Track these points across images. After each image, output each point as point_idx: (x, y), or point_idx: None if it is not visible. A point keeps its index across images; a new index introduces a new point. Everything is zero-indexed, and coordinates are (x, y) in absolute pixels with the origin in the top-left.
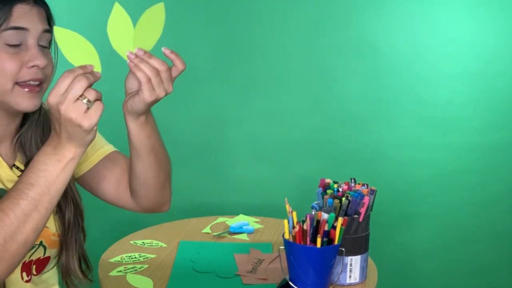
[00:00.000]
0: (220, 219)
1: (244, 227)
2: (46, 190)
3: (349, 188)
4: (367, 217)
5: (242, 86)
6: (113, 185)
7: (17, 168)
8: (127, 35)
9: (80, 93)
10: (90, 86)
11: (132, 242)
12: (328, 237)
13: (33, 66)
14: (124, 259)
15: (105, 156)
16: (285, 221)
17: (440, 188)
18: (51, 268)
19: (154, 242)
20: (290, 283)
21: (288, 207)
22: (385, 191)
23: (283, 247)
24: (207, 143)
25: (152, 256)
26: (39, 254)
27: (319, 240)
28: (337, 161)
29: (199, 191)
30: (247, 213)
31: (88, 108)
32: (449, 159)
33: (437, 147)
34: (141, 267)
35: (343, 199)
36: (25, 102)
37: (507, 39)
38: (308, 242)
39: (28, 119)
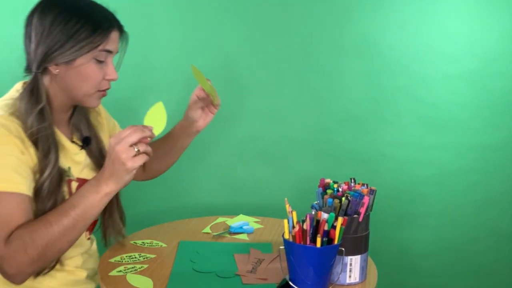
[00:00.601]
0: (220, 219)
1: (244, 227)
2: (83, 214)
3: (349, 188)
4: (367, 217)
5: (242, 86)
6: None
7: (75, 143)
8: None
9: (135, 142)
10: (144, 140)
11: (132, 242)
12: (328, 237)
13: (110, 79)
14: (124, 259)
15: None
16: (285, 221)
17: (440, 188)
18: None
19: (154, 242)
20: (290, 283)
21: (288, 207)
22: (385, 191)
23: (283, 247)
24: (208, 143)
25: (152, 256)
26: None
27: (319, 240)
28: (337, 161)
29: (199, 191)
30: (247, 213)
31: (135, 155)
32: (449, 159)
33: (437, 147)
34: (141, 267)
35: (343, 199)
36: (95, 102)
37: (507, 39)
38: (308, 242)
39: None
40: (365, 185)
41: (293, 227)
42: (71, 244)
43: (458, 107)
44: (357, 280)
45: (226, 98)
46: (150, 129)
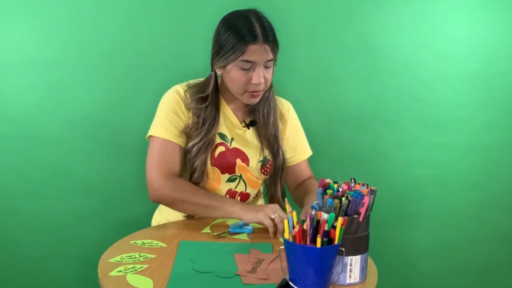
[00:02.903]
0: (220, 219)
1: (244, 227)
2: (212, 207)
3: (349, 188)
4: (367, 217)
5: None
6: (292, 180)
7: (244, 122)
8: None
9: (276, 220)
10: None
11: (132, 242)
12: (328, 237)
13: (254, 83)
14: (124, 259)
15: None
16: (285, 221)
17: (440, 188)
18: (252, 201)
19: (154, 242)
20: (290, 283)
21: (288, 207)
22: (385, 191)
23: (283, 247)
24: None
25: (152, 256)
26: (241, 187)
27: (319, 240)
28: (337, 161)
29: None
30: None
31: (269, 220)
32: (449, 159)
33: (437, 147)
34: (141, 267)
35: (343, 199)
36: (248, 100)
37: (508, 40)
38: (308, 242)
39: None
40: (365, 185)
41: (293, 227)
42: (194, 213)
43: (459, 107)
44: (357, 280)
45: None
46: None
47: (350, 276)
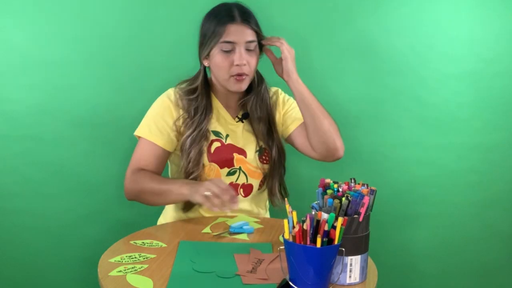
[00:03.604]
0: (220, 219)
1: (244, 227)
2: (166, 192)
3: (349, 188)
4: (367, 217)
5: None
6: (302, 142)
7: (238, 117)
8: None
9: (216, 193)
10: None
11: (132, 242)
12: (328, 237)
13: (237, 64)
14: (124, 259)
15: (297, 127)
16: (285, 221)
17: (440, 188)
18: (258, 193)
19: (154, 242)
20: (290, 283)
21: (288, 207)
22: (385, 191)
23: (283, 247)
24: None
25: (152, 256)
26: (242, 179)
27: (319, 240)
28: (337, 161)
29: None
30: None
31: (207, 196)
32: (449, 159)
33: (437, 147)
34: (141, 267)
35: (343, 199)
36: (234, 86)
37: (507, 39)
38: (308, 242)
39: (253, 90)
40: (365, 185)
41: (293, 227)
42: (154, 203)
43: (459, 107)
44: (357, 280)
45: None
46: (233, 202)
47: (350, 276)
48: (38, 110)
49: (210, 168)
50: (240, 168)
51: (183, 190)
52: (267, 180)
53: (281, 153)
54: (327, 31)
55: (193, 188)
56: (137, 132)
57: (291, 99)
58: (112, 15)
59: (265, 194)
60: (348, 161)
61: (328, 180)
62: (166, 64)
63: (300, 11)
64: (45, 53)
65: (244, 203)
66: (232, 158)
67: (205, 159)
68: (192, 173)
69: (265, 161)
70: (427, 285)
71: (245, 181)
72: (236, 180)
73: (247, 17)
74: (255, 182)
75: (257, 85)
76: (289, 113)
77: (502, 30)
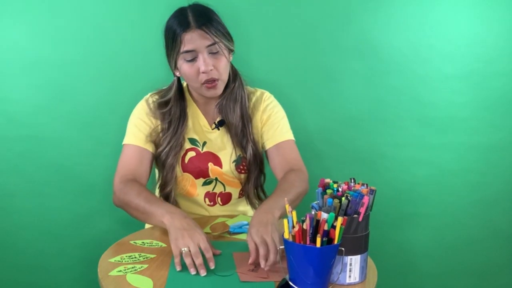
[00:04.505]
0: (220, 219)
1: (244, 227)
2: (148, 214)
3: (349, 188)
4: (366, 216)
5: None
6: (272, 165)
7: (214, 123)
8: None
9: (194, 251)
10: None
11: (132, 242)
12: (328, 237)
13: (203, 72)
14: (124, 259)
15: (271, 147)
16: (285, 221)
17: (440, 188)
18: (238, 200)
19: (154, 242)
20: (290, 283)
21: (288, 207)
22: (385, 191)
23: (283, 247)
24: None
25: (152, 256)
26: (219, 189)
27: (318, 240)
28: (337, 161)
29: None
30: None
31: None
32: (449, 159)
33: (437, 147)
34: (141, 267)
35: (343, 198)
36: (208, 93)
37: (507, 39)
38: (308, 242)
39: (226, 91)
40: (365, 185)
41: (293, 227)
42: (138, 219)
43: (458, 107)
44: (357, 280)
45: None
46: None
47: (349, 276)
48: (38, 110)
49: (184, 178)
50: (216, 179)
51: (164, 219)
52: (244, 186)
53: (256, 155)
54: (327, 31)
55: (173, 225)
56: (124, 142)
57: (273, 113)
58: (112, 15)
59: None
60: (348, 161)
61: (327, 180)
62: (166, 64)
63: (300, 11)
64: (45, 53)
65: (223, 211)
66: (207, 169)
67: (178, 170)
68: (166, 185)
69: (243, 171)
70: (427, 285)
71: (222, 189)
72: (212, 189)
73: (203, 21)
74: (234, 191)
75: (230, 82)
76: (267, 126)
77: (502, 30)
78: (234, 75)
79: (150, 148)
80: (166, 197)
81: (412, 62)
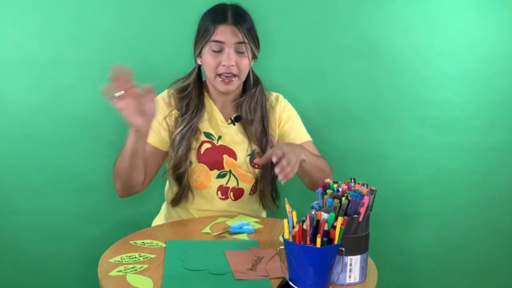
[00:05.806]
0: (220, 219)
1: (244, 227)
2: (124, 150)
3: (349, 188)
4: (366, 217)
5: None
6: None
7: (230, 119)
8: None
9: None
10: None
11: (132, 242)
12: (328, 237)
13: (223, 65)
14: (124, 259)
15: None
16: (285, 221)
17: (440, 188)
18: (250, 197)
19: (154, 242)
20: (290, 283)
21: (288, 207)
22: (385, 191)
23: (283, 247)
24: None
25: (152, 256)
26: (233, 183)
27: (319, 240)
28: (337, 161)
29: None
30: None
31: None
32: (449, 159)
33: (437, 147)
34: (141, 267)
35: (343, 199)
36: (221, 87)
37: (507, 39)
38: (308, 242)
39: (247, 92)
40: (365, 185)
41: (293, 227)
42: (127, 168)
43: (459, 107)
44: (357, 280)
45: None
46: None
47: (350, 276)
48: (38, 110)
49: (199, 169)
50: (230, 171)
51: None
52: (258, 182)
53: None
54: (327, 31)
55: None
56: None
57: (292, 114)
58: (112, 15)
59: (257, 197)
60: (348, 161)
61: (328, 180)
62: (166, 64)
63: (301, 11)
64: (45, 53)
65: (234, 206)
66: (222, 160)
67: (193, 158)
68: (180, 168)
69: (256, 166)
70: (427, 285)
71: (235, 184)
72: (226, 183)
73: (239, 19)
74: (246, 187)
75: (251, 87)
76: (284, 128)
77: (502, 30)
78: (256, 79)
79: (156, 144)
80: (179, 178)
81: (413, 62)
